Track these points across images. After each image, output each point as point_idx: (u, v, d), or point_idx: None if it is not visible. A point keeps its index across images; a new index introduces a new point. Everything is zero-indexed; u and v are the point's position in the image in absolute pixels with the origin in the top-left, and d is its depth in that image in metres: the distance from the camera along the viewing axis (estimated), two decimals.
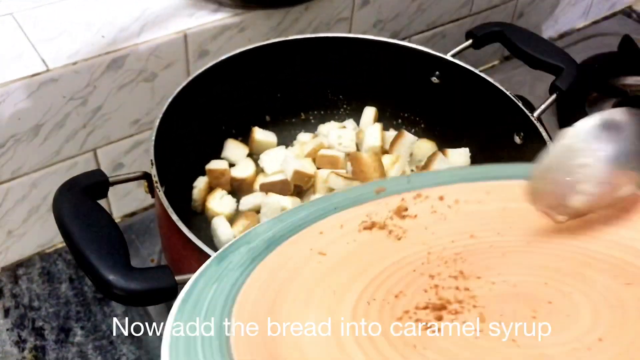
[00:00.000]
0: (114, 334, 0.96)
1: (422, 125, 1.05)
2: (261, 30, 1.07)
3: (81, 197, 0.66)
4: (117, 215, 1.10)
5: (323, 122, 1.05)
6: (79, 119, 0.95)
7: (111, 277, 0.59)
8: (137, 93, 0.99)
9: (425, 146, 1.02)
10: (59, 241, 1.05)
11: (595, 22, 1.66)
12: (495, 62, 1.51)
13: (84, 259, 0.60)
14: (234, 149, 0.99)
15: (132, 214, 1.11)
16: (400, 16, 1.26)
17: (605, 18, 1.68)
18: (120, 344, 0.96)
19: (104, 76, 0.94)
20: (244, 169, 0.97)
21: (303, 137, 1.03)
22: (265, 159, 0.97)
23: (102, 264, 0.59)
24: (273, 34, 1.08)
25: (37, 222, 1.01)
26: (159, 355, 0.96)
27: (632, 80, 1.34)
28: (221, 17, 1.01)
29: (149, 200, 1.11)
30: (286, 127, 1.05)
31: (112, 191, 1.05)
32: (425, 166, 0.95)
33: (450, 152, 0.98)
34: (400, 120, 1.06)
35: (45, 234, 1.03)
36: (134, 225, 0.99)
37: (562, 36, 1.61)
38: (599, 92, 1.29)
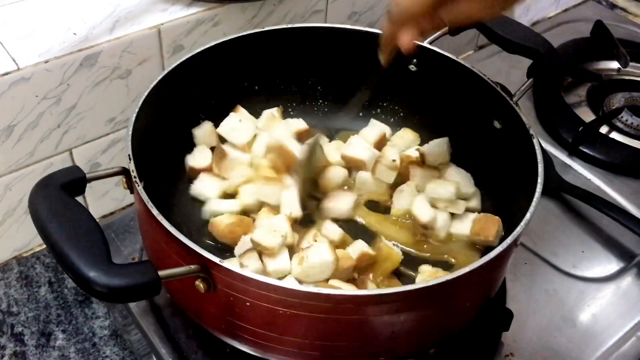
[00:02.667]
0: (97, 336, 0.95)
1: (401, 114, 1.05)
2: (236, 24, 1.06)
3: (58, 194, 0.64)
4: (94, 216, 1.07)
5: (303, 113, 1.04)
6: (52, 119, 0.93)
7: (92, 273, 0.57)
8: (111, 90, 0.97)
9: (409, 137, 1.01)
10: (36, 244, 1.03)
11: (566, 10, 1.68)
12: (470, 52, 1.52)
13: (63, 256, 0.59)
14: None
15: (110, 214, 1.09)
16: (374, 7, 1.26)
17: (576, 5, 1.69)
18: (104, 345, 0.94)
19: (77, 74, 0.92)
20: (200, 158, 0.95)
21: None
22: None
23: (82, 260, 0.58)
24: (248, 28, 1.07)
25: (13, 225, 0.99)
26: (143, 356, 0.95)
27: (605, 64, 1.36)
28: (195, 11, 1.00)
29: (127, 200, 1.09)
30: None
31: (89, 191, 1.03)
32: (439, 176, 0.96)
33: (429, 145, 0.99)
34: (379, 110, 1.06)
35: (22, 238, 1.01)
36: (113, 224, 0.98)
37: (534, 24, 1.62)
38: (574, 77, 1.31)
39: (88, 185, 1.02)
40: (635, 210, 1.07)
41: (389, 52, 0.79)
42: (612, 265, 1.00)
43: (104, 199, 1.07)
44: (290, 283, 0.64)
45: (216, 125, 0.98)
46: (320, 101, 1.06)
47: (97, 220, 1.06)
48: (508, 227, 0.85)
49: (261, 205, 0.90)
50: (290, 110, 1.06)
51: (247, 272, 0.63)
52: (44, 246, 1.01)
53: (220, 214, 0.88)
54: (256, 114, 1.02)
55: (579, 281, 0.97)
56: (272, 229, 0.81)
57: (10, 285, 0.99)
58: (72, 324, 0.96)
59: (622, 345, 0.90)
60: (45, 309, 0.97)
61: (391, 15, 0.75)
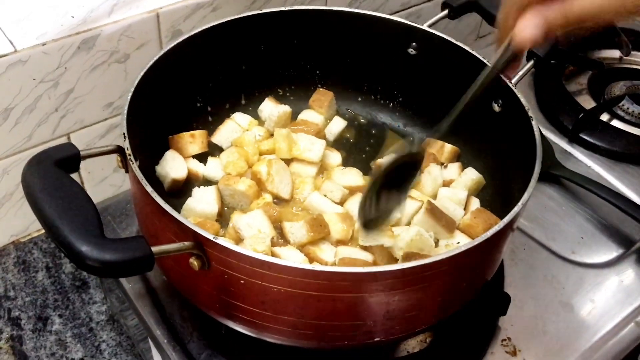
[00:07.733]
0: (94, 321, 0.95)
1: (400, 99, 1.04)
2: (235, 9, 1.05)
3: (52, 170, 0.64)
4: None
5: (300, 97, 1.04)
6: (50, 103, 0.93)
7: (84, 248, 0.57)
8: (109, 75, 0.97)
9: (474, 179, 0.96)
10: (34, 229, 1.03)
11: None
12: (471, 42, 1.51)
13: (55, 230, 0.58)
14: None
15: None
16: None
17: None
18: (100, 330, 0.94)
19: (74, 57, 0.92)
20: (177, 170, 0.91)
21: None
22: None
23: (74, 234, 0.57)
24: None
25: (10, 210, 0.99)
26: (140, 340, 0.94)
27: (607, 53, 1.35)
28: None
29: (125, 186, 1.09)
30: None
31: (87, 177, 1.04)
32: None
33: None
34: (378, 96, 1.05)
35: (19, 223, 1.01)
36: (110, 207, 0.97)
37: None
38: (575, 66, 1.30)
39: (86, 171, 1.03)
40: (636, 197, 1.07)
41: (504, 45, 0.65)
42: (611, 251, 0.99)
43: (101, 185, 1.06)
44: (283, 260, 0.63)
45: (214, 112, 0.98)
46: (319, 85, 1.05)
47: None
48: (506, 211, 0.85)
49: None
50: (288, 94, 1.05)
51: (241, 249, 0.62)
52: (42, 231, 1.01)
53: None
54: (254, 97, 1.02)
55: (577, 267, 0.97)
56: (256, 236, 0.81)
57: (7, 270, 0.99)
58: (69, 309, 0.96)
59: (620, 331, 0.89)
60: (42, 293, 0.97)
61: None
